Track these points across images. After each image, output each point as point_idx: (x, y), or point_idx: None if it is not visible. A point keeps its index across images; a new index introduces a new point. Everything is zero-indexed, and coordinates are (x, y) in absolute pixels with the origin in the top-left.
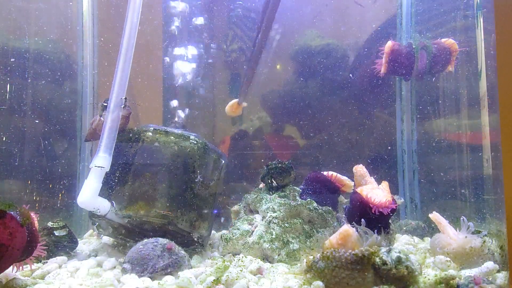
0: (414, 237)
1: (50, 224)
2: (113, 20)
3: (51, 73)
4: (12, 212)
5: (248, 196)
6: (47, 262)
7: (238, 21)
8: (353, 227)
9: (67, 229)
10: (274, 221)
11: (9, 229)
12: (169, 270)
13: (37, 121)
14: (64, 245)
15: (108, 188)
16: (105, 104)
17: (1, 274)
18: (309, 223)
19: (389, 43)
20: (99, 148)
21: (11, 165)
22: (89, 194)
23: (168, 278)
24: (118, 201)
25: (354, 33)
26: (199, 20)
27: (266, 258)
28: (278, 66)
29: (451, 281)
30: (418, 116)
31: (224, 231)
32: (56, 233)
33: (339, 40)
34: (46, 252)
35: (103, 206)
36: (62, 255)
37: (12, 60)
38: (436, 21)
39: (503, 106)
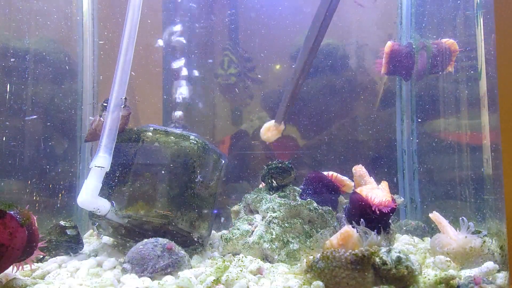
0: (414, 237)
1: (62, 222)
2: (113, 20)
3: (51, 73)
4: (12, 212)
5: (248, 196)
6: (54, 258)
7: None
8: (353, 227)
9: (77, 230)
10: (274, 221)
11: (9, 229)
12: (169, 270)
13: (37, 121)
14: (72, 245)
15: (108, 188)
16: (105, 104)
17: (1, 274)
18: (309, 223)
19: (389, 43)
20: (99, 148)
21: (11, 165)
22: (89, 194)
23: (168, 278)
24: (118, 201)
25: (355, 33)
26: (200, 19)
27: (266, 258)
28: (278, 66)
29: (451, 281)
30: (418, 116)
31: (224, 231)
32: (68, 232)
33: (339, 40)
34: (55, 248)
35: (103, 206)
36: (62, 255)
37: (12, 60)
38: (436, 21)
39: (503, 106)
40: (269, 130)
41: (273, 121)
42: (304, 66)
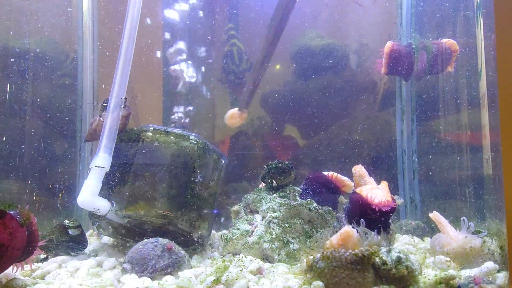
0: (414, 237)
1: (66, 222)
2: (113, 20)
3: (51, 73)
4: (12, 212)
5: (248, 196)
6: (54, 258)
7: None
8: (353, 227)
9: (81, 230)
10: (274, 221)
11: (9, 229)
12: (169, 270)
13: (37, 121)
14: (73, 245)
15: (108, 188)
16: (105, 104)
17: (1, 274)
18: (309, 223)
19: (389, 44)
20: (99, 148)
21: (11, 165)
22: (89, 194)
23: (168, 278)
24: (118, 201)
25: (355, 33)
26: (199, 19)
27: (266, 258)
28: (278, 66)
29: (451, 281)
30: (418, 116)
31: (224, 231)
32: (70, 231)
33: (339, 40)
34: (55, 248)
35: (103, 206)
36: (62, 255)
37: (12, 60)
38: (436, 21)
39: (503, 106)
40: (233, 117)
41: (237, 108)
42: (265, 55)
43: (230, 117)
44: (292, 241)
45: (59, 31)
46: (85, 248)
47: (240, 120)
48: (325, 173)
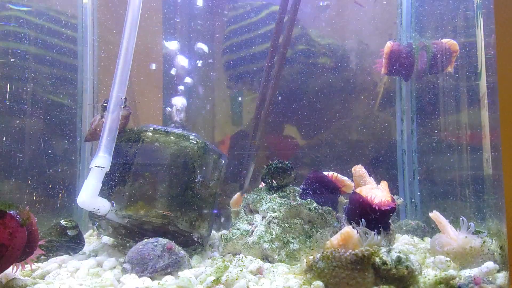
0: (414, 237)
1: (63, 222)
2: (113, 20)
3: (51, 73)
4: (12, 212)
5: (248, 196)
6: (54, 258)
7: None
8: (353, 227)
9: (78, 230)
10: (274, 221)
11: (9, 229)
12: (169, 270)
13: (37, 121)
14: (72, 245)
15: (108, 188)
16: (105, 104)
17: (1, 274)
18: (309, 223)
19: (388, 44)
20: (99, 148)
21: (11, 165)
22: (89, 194)
23: (168, 278)
24: (118, 201)
25: (355, 33)
26: (199, 18)
27: (266, 258)
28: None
29: (451, 281)
30: (418, 116)
31: (224, 231)
32: (69, 232)
33: (339, 40)
34: (54, 248)
35: (103, 206)
36: (62, 255)
37: (12, 60)
38: (436, 21)
39: (503, 105)
40: (237, 201)
41: (239, 193)
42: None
43: (235, 202)
44: (292, 241)
45: (59, 31)
46: (82, 248)
47: (240, 202)
48: (325, 173)
